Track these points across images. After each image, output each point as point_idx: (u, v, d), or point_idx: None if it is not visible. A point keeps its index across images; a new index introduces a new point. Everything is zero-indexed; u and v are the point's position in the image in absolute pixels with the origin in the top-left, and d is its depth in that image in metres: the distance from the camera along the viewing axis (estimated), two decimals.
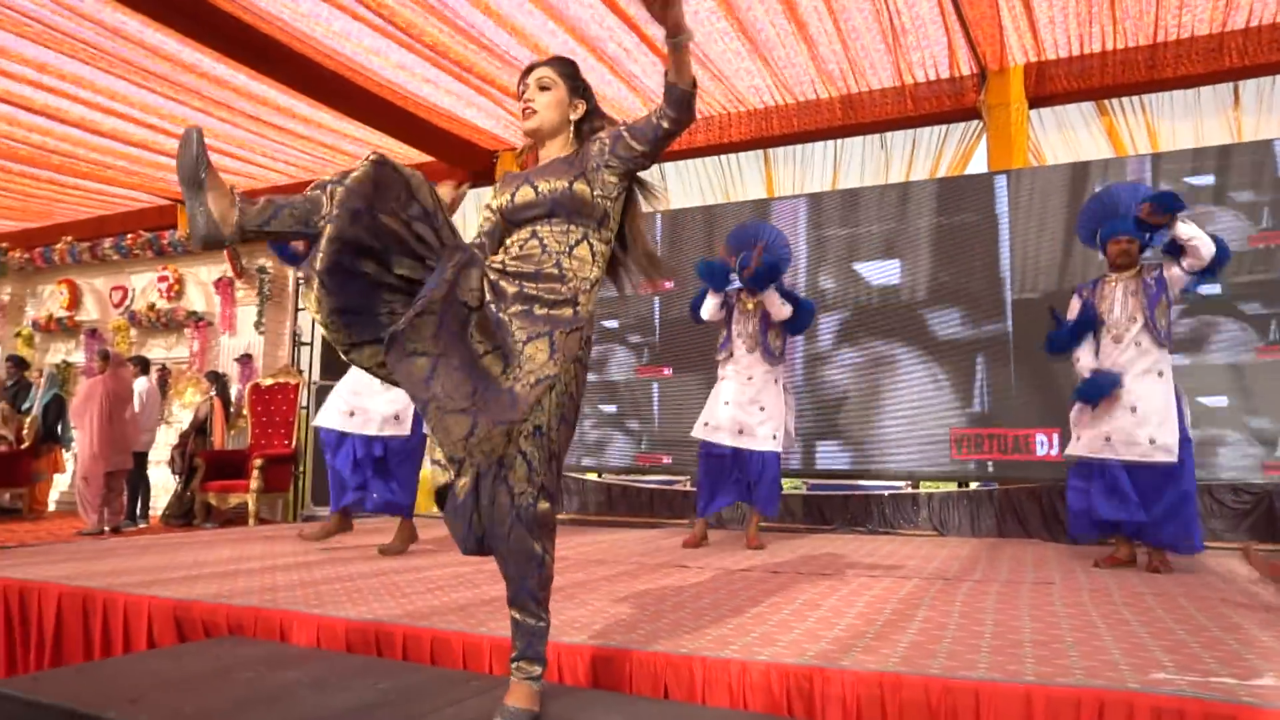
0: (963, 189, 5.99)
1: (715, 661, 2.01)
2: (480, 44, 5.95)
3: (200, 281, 8.50)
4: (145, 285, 8.79)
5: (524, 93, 1.98)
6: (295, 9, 5.54)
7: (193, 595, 2.81)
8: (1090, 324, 3.84)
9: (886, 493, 5.51)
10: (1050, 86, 6.27)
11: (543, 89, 1.97)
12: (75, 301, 9.19)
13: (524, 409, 1.68)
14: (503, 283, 1.83)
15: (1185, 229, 3.57)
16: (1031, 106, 6.42)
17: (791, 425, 4.60)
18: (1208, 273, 3.70)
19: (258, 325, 8.18)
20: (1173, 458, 3.54)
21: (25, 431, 7.76)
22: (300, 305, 8.40)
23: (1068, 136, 6.53)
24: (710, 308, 4.54)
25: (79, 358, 8.91)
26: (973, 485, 5.42)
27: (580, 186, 1.86)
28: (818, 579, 3.37)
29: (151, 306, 8.56)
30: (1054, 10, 5.55)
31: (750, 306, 4.53)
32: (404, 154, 8.06)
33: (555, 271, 1.84)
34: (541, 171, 1.92)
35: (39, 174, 8.52)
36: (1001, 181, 5.85)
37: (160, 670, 2.10)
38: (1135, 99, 6.28)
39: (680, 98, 1.79)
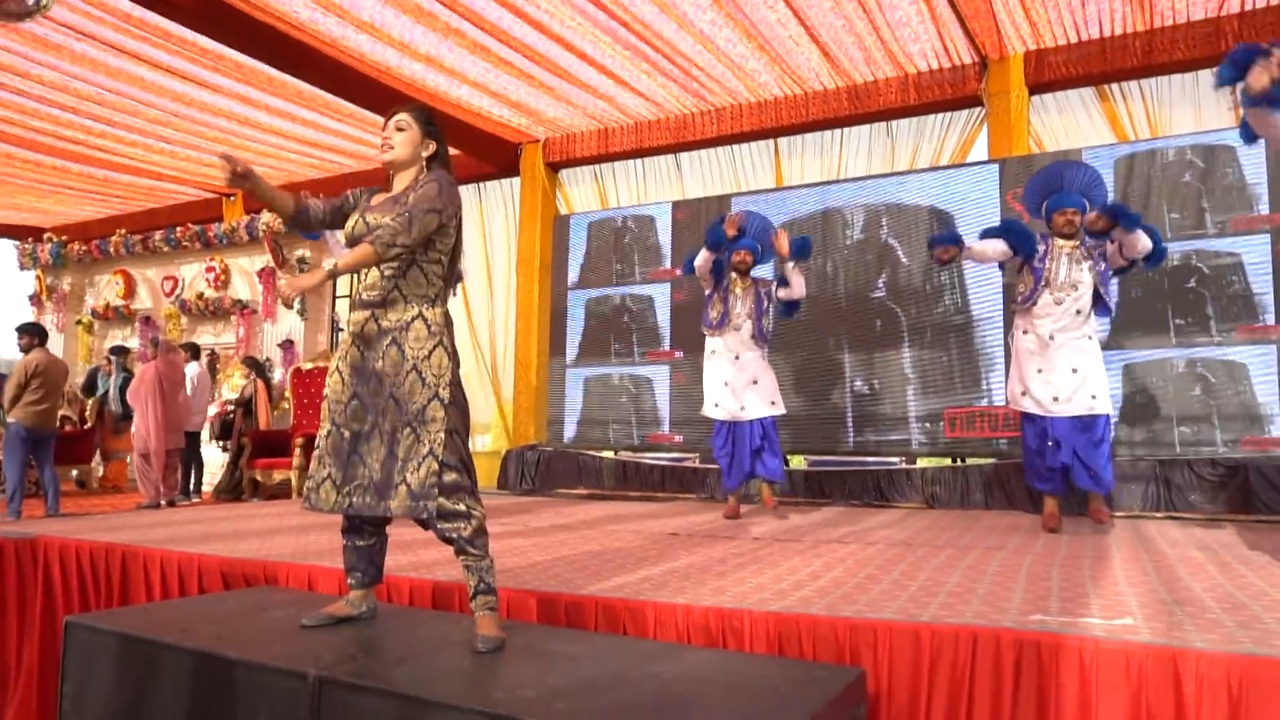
0: (961, 176, 6.19)
1: (664, 605, 2.37)
2: (504, 40, 6.27)
3: (244, 271, 9.02)
4: (194, 275, 9.34)
5: (385, 130, 2.37)
6: (326, 15, 5.93)
7: (236, 553, 3.25)
8: (1011, 234, 4.14)
9: (882, 468, 5.80)
10: (1050, 73, 6.42)
11: (399, 130, 2.35)
12: (130, 291, 9.78)
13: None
14: (367, 326, 2.28)
15: (1136, 236, 3.90)
16: (1033, 93, 6.58)
17: (774, 386, 4.92)
18: (1147, 261, 4.01)
19: (301, 313, 8.67)
20: (1108, 410, 3.95)
21: (88, 413, 8.36)
22: (338, 293, 8.89)
23: (1068, 122, 6.68)
24: (703, 258, 4.82)
25: (134, 344, 9.51)
26: (969, 461, 5.67)
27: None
28: (771, 542, 3.70)
29: (200, 295, 9.11)
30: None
31: (740, 290, 4.84)
32: None
33: (396, 296, 2.27)
34: (377, 206, 2.33)
35: (95, 172, 9.11)
36: (994, 170, 6.04)
37: (206, 610, 2.52)
38: (1135, 84, 6.41)
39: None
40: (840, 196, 6.61)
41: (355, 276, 2.34)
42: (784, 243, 4.73)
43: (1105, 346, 4.72)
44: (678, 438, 6.75)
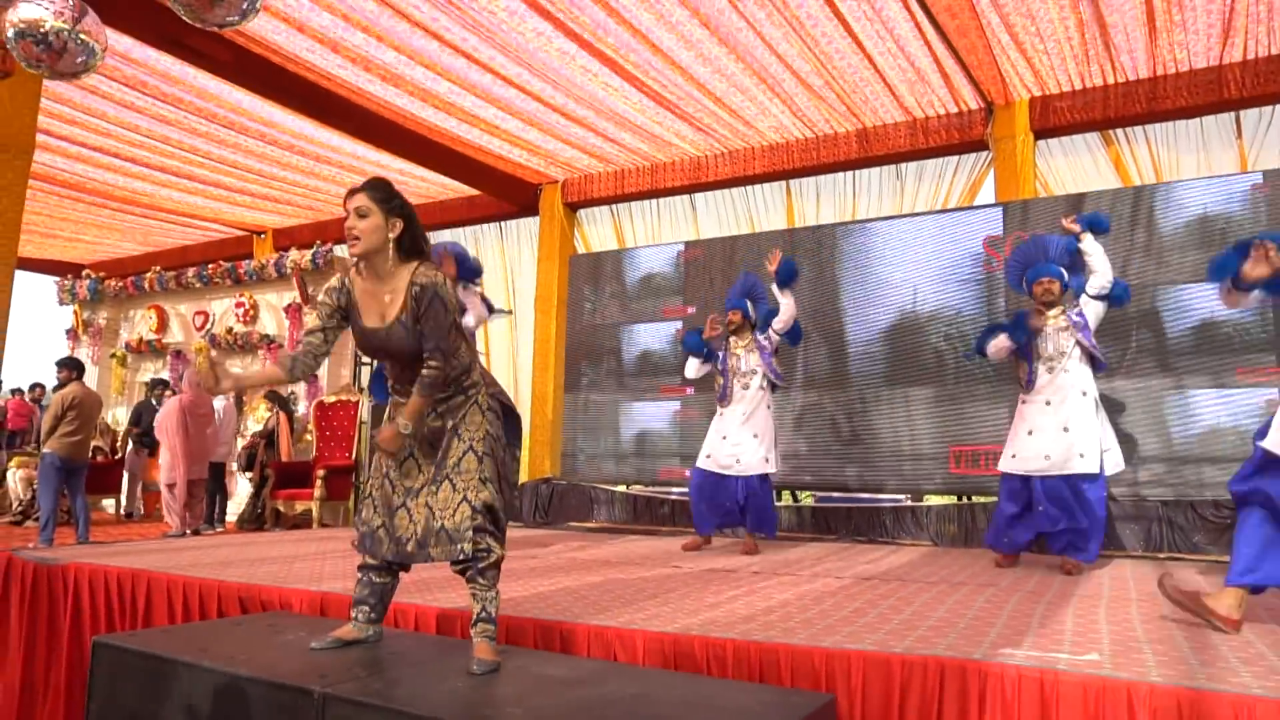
0: (966, 219, 6.33)
1: (652, 634, 2.50)
2: (517, 87, 6.53)
3: (272, 306, 9.31)
4: (224, 310, 9.65)
5: (346, 218, 2.32)
6: (352, 65, 6.22)
7: (253, 579, 3.41)
8: (1011, 330, 4.27)
9: (888, 505, 5.88)
10: (1055, 119, 6.57)
11: (361, 217, 2.31)
12: (163, 325, 10.11)
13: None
14: None
15: (1089, 244, 4.11)
16: (1038, 138, 6.73)
17: (771, 444, 5.00)
18: (1112, 300, 4.17)
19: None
20: (1095, 469, 3.94)
21: (119, 444, 8.63)
22: None
23: (1074, 166, 6.82)
24: (692, 368, 5.17)
25: (165, 376, 9.81)
26: (968, 499, 5.74)
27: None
28: (769, 576, 3.81)
29: (229, 330, 9.40)
30: (1048, 47, 5.87)
31: (741, 350, 4.98)
32: (456, 189, 8.76)
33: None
34: (372, 313, 2.37)
35: (132, 210, 9.49)
36: (997, 213, 6.17)
37: (223, 632, 2.68)
38: (1140, 129, 6.54)
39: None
40: (849, 237, 6.76)
41: (389, 367, 2.48)
42: (772, 261, 4.95)
43: (1111, 388, 4.81)
44: (688, 473, 6.84)
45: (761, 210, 8.14)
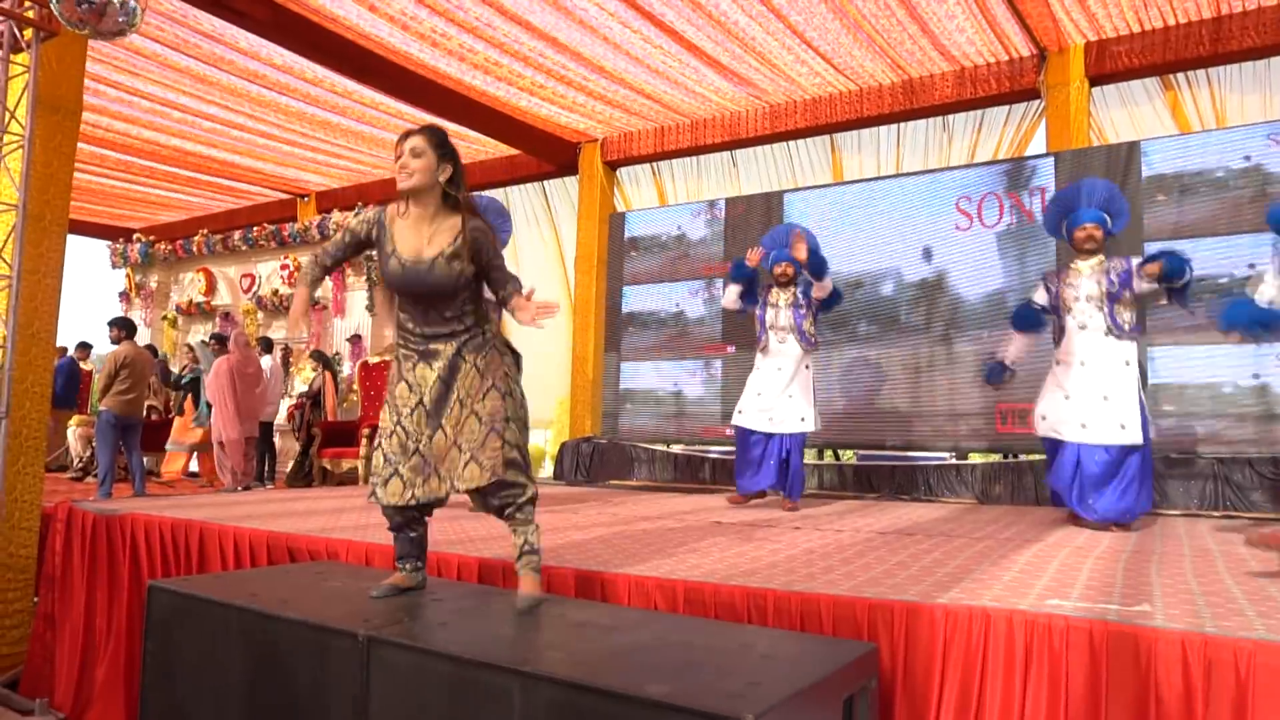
0: (1018, 171, 6.14)
1: (693, 584, 2.50)
2: (557, 44, 6.45)
3: None
4: (270, 273, 9.79)
5: (399, 157, 2.39)
6: (390, 26, 6.20)
7: (301, 530, 3.48)
8: (1030, 318, 4.18)
9: (933, 463, 5.80)
10: (1112, 64, 6.31)
11: (415, 156, 2.38)
12: (211, 288, 10.31)
13: None
14: (432, 345, 2.52)
15: (1179, 296, 3.88)
16: (1093, 84, 6.48)
17: (809, 404, 4.92)
18: (1176, 294, 3.91)
19: (369, 308, 9.03)
20: (1139, 439, 3.79)
21: (172, 403, 8.86)
22: None
23: (1131, 113, 6.56)
24: (731, 294, 4.99)
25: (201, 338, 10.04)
26: (1015, 456, 5.64)
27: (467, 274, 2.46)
28: (810, 530, 3.79)
29: (275, 292, 9.55)
30: None
31: (780, 301, 4.90)
32: (495, 148, 8.73)
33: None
34: (411, 245, 2.42)
35: (179, 173, 9.64)
36: (1049, 163, 5.97)
37: (272, 579, 2.74)
38: (1201, 73, 6.26)
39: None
40: (894, 191, 6.61)
41: (416, 315, 2.52)
42: (801, 249, 4.70)
43: (1180, 342, 4.68)
44: (729, 430, 6.83)
45: (804, 166, 7.99)
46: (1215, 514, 4.83)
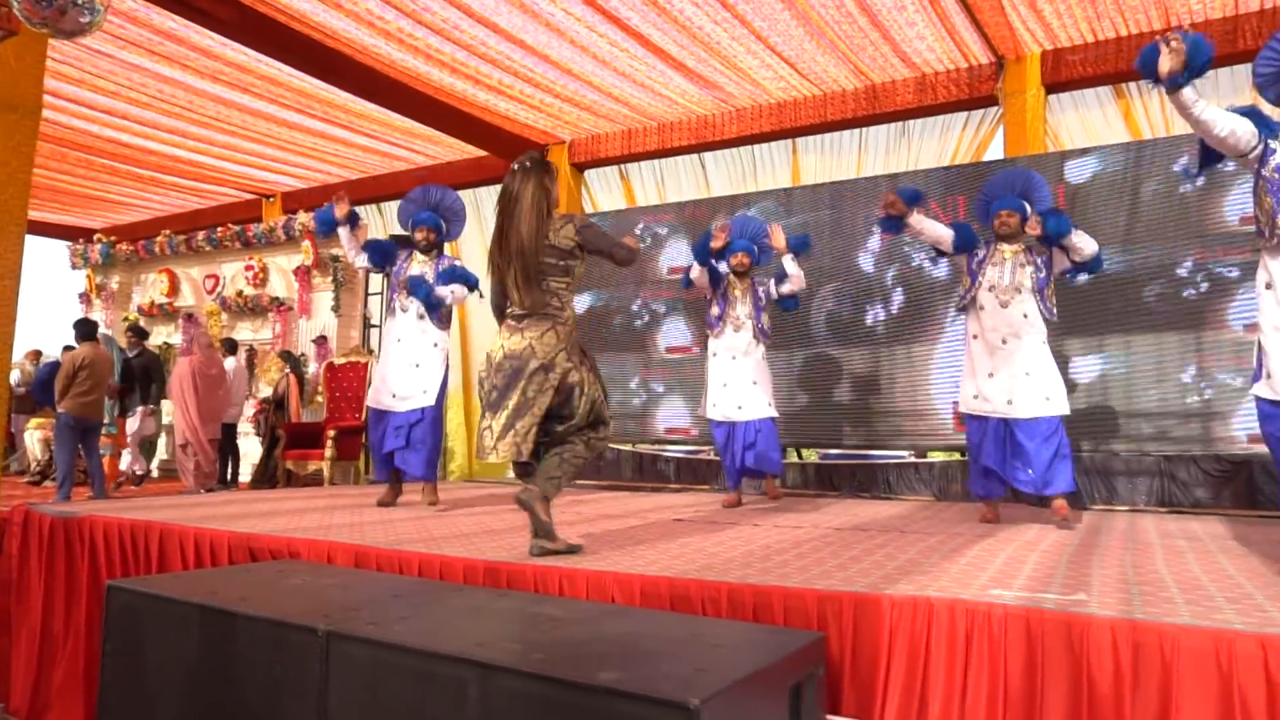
0: (971, 176, 6.28)
1: (649, 578, 2.56)
2: (525, 47, 6.49)
3: (281, 269, 9.36)
4: (234, 273, 9.70)
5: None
6: (356, 23, 6.19)
7: (263, 531, 3.49)
8: (959, 230, 4.28)
9: (892, 461, 5.92)
10: (1067, 72, 6.48)
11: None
12: (174, 289, 10.18)
13: None
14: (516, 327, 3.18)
15: (1071, 239, 4.00)
16: (1049, 92, 6.64)
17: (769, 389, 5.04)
18: (1087, 269, 4.11)
19: (334, 309, 8.98)
20: (1065, 410, 3.98)
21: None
22: (370, 291, 9.19)
23: (1085, 120, 6.74)
24: (695, 272, 5.03)
25: (178, 339, 9.92)
26: None
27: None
28: (769, 527, 3.87)
29: (239, 293, 9.47)
30: (1059, 4, 5.78)
31: (739, 292, 4.99)
32: (463, 149, 8.73)
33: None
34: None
35: (142, 173, 9.53)
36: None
37: (232, 578, 2.75)
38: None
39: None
40: (851, 195, 6.72)
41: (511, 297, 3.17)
42: (780, 237, 4.89)
43: (1121, 346, 4.85)
44: (694, 430, 6.91)
45: (770, 168, 8.09)
46: (1161, 510, 4.99)
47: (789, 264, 4.95)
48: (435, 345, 4.79)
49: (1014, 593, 2.34)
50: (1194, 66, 2.99)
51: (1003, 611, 2.14)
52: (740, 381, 4.92)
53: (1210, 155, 3.26)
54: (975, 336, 4.24)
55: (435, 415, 4.79)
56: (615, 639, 1.99)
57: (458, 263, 5.07)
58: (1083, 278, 4.28)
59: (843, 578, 2.57)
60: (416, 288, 4.71)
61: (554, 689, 1.69)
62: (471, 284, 4.86)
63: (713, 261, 4.97)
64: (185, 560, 3.52)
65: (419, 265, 4.88)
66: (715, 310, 5.03)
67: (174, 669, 2.40)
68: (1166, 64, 2.90)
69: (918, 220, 4.27)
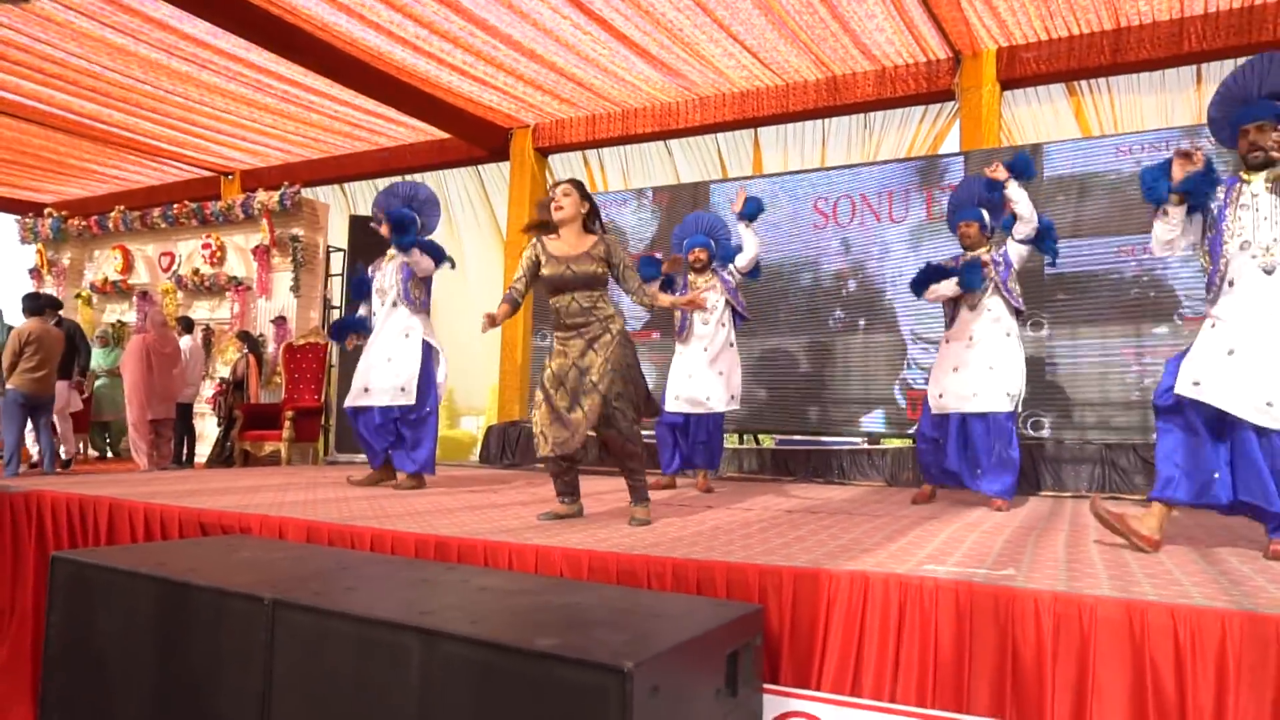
0: (930, 169, 6.39)
1: (597, 553, 2.61)
2: (486, 27, 6.46)
3: (240, 248, 9.23)
4: (190, 252, 9.54)
5: (553, 199, 3.47)
6: (318, 1, 6.12)
7: (215, 506, 3.48)
8: (943, 271, 4.36)
9: (845, 448, 6.03)
10: (1021, 69, 6.61)
11: (565, 195, 3.46)
12: (128, 266, 9.98)
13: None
14: (573, 340, 3.43)
15: (1013, 190, 4.11)
16: (1004, 88, 6.78)
17: (738, 381, 5.09)
18: (1039, 243, 4.23)
19: (294, 289, 8.88)
20: (1013, 407, 4.13)
21: (85, 384, 8.59)
22: (331, 272, 9.10)
23: (1037, 116, 6.89)
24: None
25: (131, 318, 9.74)
26: None
27: (598, 271, 3.43)
28: (721, 508, 3.94)
29: (196, 271, 9.32)
30: (1013, 1, 5.90)
31: (702, 284, 5.03)
32: (426, 131, 8.67)
33: (593, 319, 3.42)
34: (566, 258, 3.41)
35: (94, 144, 9.32)
36: (958, 162, 6.24)
37: (182, 550, 2.76)
38: (1103, 80, 6.61)
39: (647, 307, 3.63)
40: (812, 185, 6.81)
41: (563, 309, 3.44)
42: (740, 201, 4.94)
43: (1076, 335, 4.98)
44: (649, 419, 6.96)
45: (738, 156, 8.15)
46: (1102, 495, 5.15)
47: (745, 232, 4.96)
48: (406, 336, 4.68)
49: (947, 568, 2.43)
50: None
51: (934, 585, 2.23)
52: (708, 373, 4.92)
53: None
54: (948, 341, 4.38)
55: (423, 415, 4.69)
56: (557, 609, 2.04)
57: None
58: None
59: (785, 554, 2.65)
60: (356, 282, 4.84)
61: (494, 654, 1.74)
62: (435, 253, 4.82)
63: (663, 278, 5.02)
64: (135, 535, 3.50)
65: (390, 261, 4.85)
66: (680, 316, 5.06)
67: (120, 640, 2.41)
68: (1181, 170, 2.96)
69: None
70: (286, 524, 3.19)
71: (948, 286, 4.31)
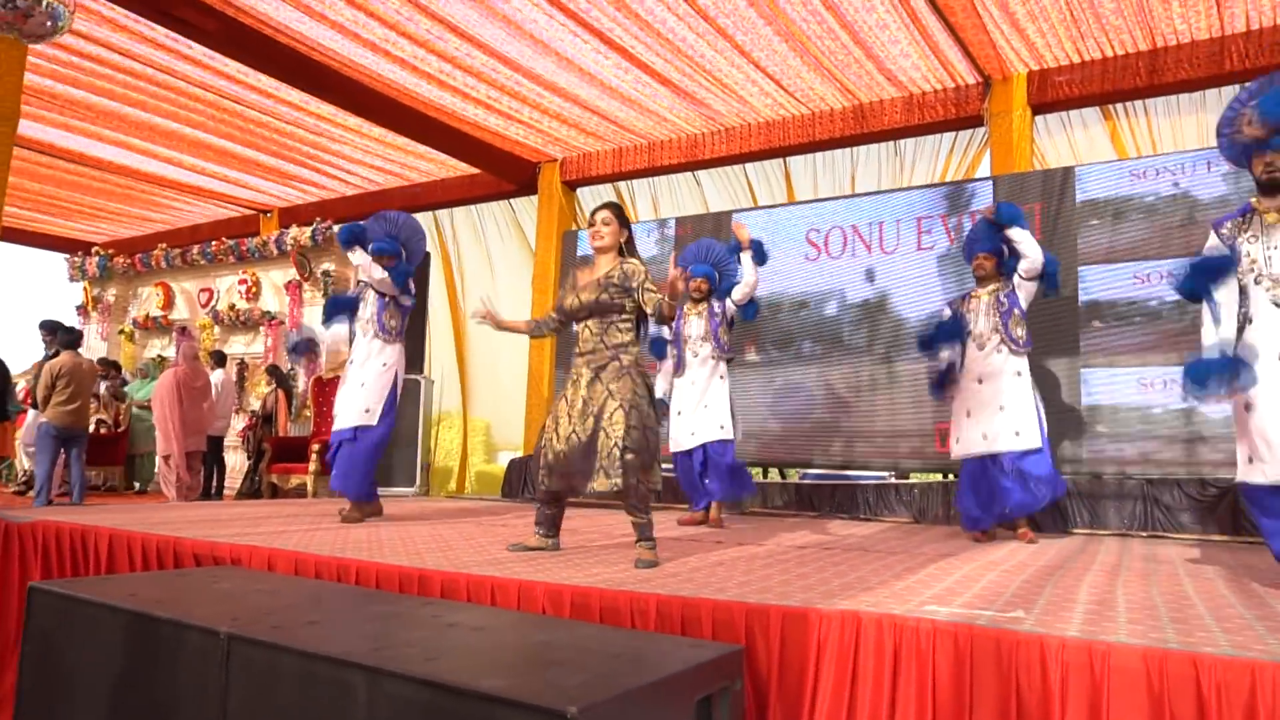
0: (958, 195, 6.22)
1: (578, 589, 2.48)
2: (507, 60, 6.51)
3: (274, 284, 9.38)
4: (228, 287, 9.73)
5: (594, 225, 3.37)
6: (343, 38, 6.22)
7: (212, 538, 3.44)
8: (954, 330, 4.23)
9: (872, 482, 5.82)
10: (1053, 93, 6.43)
11: (605, 224, 3.36)
12: (169, 302, 10.22)
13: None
14: (583, 370, 3.31)
15: (1014, 232, 4.06)
16: (1036, 113, 6.60)
17: (727, 411, 4.88)
18: (1046, 280, 4.12)
19: (325, 323, 8.96)
20: (1037, 444, 3.93)
21: (122, 416, 8.75)
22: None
23: (1072, 141, 6.69)
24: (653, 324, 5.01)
25: (171, 352, 9.94)
26: (953, 476, 5.65)
27: (606, 298, 3.29)
28: (731, 544, 3.78)
29: (232, 307, 9.49)
30: (1042, 24, 5.75)
31: (693, 315, 4.93)
32: (455, 166, 8.75)
33: (601, 347, 3.30)
34: (587, 285, 3.34)
35: (141, 191, 9.62)
36: (987, 187, 6.07)
37: (161, 581, 2.70)
38: (1139, 103, 6.40)
39: (661, 320, 3.26)
40: (833, 212, 6.67)
41: (578, 337, 3.38)
42: (745, 232, 4.86)
43: (1114, 364, 4.79)
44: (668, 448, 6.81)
45: (764, 185, 8.07)
46: (1143, 534, 4.87)
47: (747, 263, 4.84)
48: (384, 365, 4.73)
49: (950, 609, 2.26)
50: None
51: (931, 627, 2.06)
52: (691, 405, 4.83)
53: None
54: (957, 383, 4.27)
55: (372, 437, 4.67)
56: (522, 648, 1.93)
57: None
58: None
59: (782, 593, 2.49)
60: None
61: (437, 695, 1.63)
62: (397, 276, 4.77)
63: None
64: (134, 566, 3.47)
65: (368, 289, 4.87)
66: (675, 351, 4.98)
67: (88, 671, 2.34)
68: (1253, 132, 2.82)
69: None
70: (276, 555, 3.12)
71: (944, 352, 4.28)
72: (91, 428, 8.21)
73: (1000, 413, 4.00)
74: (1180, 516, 4.93)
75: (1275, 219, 2.74)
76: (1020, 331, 4.13)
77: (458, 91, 7.08)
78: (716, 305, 4.90)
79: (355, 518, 4.62)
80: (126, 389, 9.00)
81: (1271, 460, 2.65)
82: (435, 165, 8.86)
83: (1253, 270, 2.74)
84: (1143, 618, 2.24)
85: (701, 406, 4.81)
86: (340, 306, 4.84)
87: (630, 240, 3.43)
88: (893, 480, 5.86)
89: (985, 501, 4.03)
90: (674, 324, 4.97)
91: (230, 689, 1.99)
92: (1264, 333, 2.69)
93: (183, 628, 2.11)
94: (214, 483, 8.09)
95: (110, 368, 8.45)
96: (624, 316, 3.33)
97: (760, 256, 4.89)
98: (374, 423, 4.65)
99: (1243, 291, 2.79)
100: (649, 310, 3.25)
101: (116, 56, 6.55)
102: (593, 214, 3.41)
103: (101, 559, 3.55)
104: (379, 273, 4.72)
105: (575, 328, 3.43)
